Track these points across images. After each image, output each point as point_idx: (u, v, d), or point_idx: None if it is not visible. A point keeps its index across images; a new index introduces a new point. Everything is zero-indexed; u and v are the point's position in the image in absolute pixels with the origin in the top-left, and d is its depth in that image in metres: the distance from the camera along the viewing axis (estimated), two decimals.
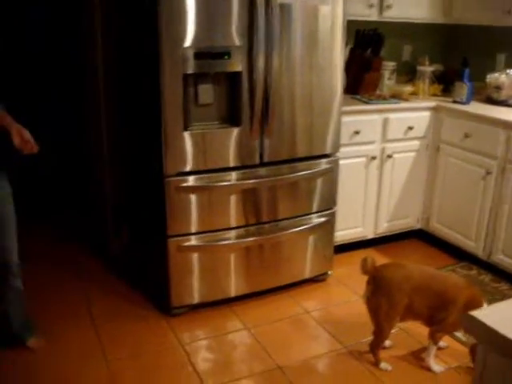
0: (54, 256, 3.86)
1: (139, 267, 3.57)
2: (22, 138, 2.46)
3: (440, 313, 2.51)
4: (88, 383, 2.55)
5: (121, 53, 3.43)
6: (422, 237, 4.03)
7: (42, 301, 3.23)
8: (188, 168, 2.85)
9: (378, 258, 3.08)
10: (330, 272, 3.43)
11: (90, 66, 3.72)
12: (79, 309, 3.15)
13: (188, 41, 2.65)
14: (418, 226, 4.00)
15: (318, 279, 3.42)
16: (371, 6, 3.67)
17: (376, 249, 3.86)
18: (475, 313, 1.10)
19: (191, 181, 2.86)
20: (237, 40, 2.76)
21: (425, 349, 2.67)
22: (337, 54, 3.08)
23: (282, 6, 2.82)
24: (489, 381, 1.12)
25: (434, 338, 2.58)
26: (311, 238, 3.27)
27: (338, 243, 3.53)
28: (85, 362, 2.68)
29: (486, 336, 1.07)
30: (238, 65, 2.80)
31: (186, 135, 2.80)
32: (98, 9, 3.42)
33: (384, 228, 3.86)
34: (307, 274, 3.34)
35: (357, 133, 3.48)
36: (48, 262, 3.74)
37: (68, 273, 3.58)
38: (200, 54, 2.70)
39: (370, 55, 3.92)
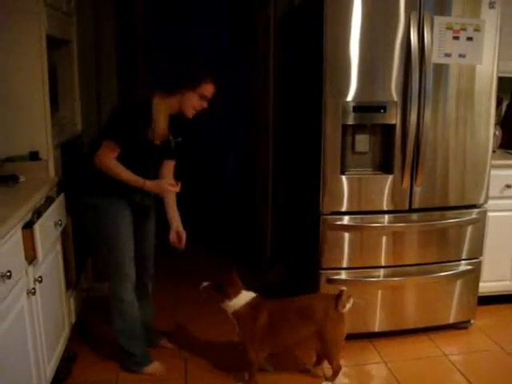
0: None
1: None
2: (178, 236, 2.94)
3: None
4: None
5: (288, 98, 3.81)
6: None
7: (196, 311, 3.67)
8: (342, 208, 3.12)
9: None
10: (472, 321, 3.44)
11: (261, 114, 4.10)
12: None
13: (349, 95, 2.96)
14: None
15: (459, 326, 3.44)
16: None
17: None
18: None
19: (344, 220, 3.12)
20: (392, 96, 2.99)
21: None
22: (488, 110, 3.14)
23: (436, 66, 3.00)
24: None
25: None
26: (456, 285, 3.32)
27: (484, 294, 3.51)
28: None
29: None
30: (392, 118, 3.02)
31: (343, 178, 3.08)
32: (271, 62, 3.85)
33: None
34: (449, 320, 3.38)
35: (509, 186, 3.49)
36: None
37: None
38: (358, 108, 2.97)
39: None
